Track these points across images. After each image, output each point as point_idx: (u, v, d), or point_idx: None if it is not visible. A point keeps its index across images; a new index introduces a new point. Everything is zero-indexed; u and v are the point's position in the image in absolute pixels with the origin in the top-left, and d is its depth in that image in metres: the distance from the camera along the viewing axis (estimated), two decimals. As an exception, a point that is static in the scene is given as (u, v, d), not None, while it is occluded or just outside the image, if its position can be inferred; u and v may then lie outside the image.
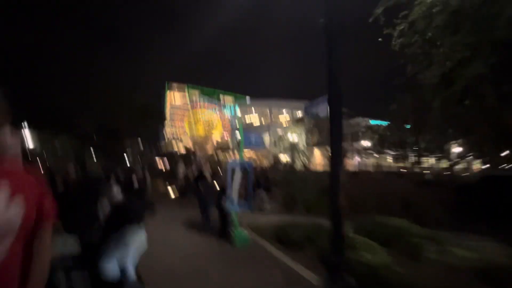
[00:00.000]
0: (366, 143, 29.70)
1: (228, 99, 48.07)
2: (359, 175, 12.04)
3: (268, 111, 39.51)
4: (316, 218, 8.18)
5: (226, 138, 33.08)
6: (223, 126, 25.03)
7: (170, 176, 14.54)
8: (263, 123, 37.81)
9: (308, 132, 26.82)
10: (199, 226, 6.63)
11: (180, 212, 8.49)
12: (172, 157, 29.98)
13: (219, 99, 45.93)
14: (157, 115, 23.09)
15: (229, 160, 6.00)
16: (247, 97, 44.78)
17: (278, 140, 28.28)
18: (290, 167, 10.94)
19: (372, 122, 31.78)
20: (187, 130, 20.95)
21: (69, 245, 2.78)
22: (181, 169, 13.96)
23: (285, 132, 28.22)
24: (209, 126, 21.54)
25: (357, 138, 28.42)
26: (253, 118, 40.56)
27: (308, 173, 10.81)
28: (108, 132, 21.27)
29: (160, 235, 6.09)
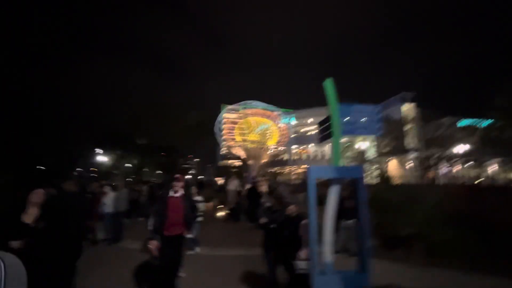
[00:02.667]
0: (458, 148, 23.84)
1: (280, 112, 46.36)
2: (486, 192, 7.83)
3: (327, 119, 35.61)
4: (474, 278, 4.13)
5: (282, 149, 30.49)
6: (280, 136, 22.65)
7: (224, 194, 12.45)
8: (322, 133, 34.02)
9: (381, 138, 22.31)
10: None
11: (224, 249, 5.98)
12: (227, 171, 28.68)
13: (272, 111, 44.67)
14: (212, 133, 22.93)
15: (310, 168, 2.17)
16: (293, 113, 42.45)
17: (344, 150, 24.31)
18: (382, 181, 7.68)
19: (462, 123, 26.06)
20: (237, 139, 19.48)
21: None
22: (233, 185, 11.73)
23: (351, 140, 24.14)
24: (264, 136, 19.49)
25: (445, 143, 22.67)
26: (309, 128, 36.91)
27: (405, 188, 7.25)
28: (165, 149, 21.63)
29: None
